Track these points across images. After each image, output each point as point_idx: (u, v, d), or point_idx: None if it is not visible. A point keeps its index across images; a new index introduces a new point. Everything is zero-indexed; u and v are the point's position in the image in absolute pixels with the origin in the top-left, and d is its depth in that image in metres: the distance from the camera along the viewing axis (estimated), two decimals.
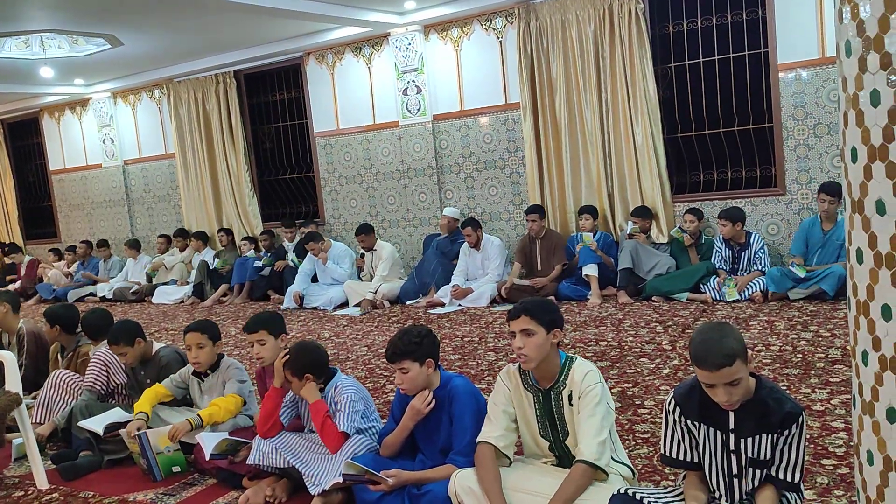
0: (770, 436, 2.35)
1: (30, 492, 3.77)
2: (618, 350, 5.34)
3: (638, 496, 2.46)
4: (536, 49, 7.98)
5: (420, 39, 8.67)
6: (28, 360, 5.10)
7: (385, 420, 3.63)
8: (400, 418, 3.20)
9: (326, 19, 8.15)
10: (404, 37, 8.73)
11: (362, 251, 8.70)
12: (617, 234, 7.75)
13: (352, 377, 3.67)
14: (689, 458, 2.50)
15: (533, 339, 2.72)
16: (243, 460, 3.49)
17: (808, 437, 2.48)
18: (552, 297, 6.85)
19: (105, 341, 4.46)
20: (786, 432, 2.34)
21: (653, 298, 6.93)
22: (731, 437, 2.40)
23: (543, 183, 8.15)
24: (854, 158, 1.88)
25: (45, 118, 12.69)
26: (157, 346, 4.39)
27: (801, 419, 2.34)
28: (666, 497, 2.52)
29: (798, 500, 2.46)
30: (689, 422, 2.46)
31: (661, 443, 2.56)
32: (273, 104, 10.43)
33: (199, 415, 3.77)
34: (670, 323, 6.01)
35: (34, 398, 4.68)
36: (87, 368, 4.42)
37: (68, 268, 11.68)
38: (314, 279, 8.71)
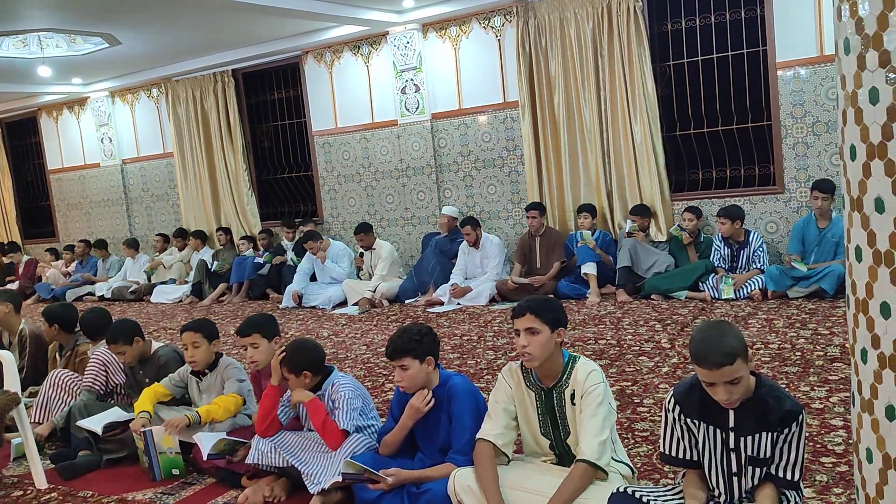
0: (770, 434, 2.35)
1: (29, 491, 3.77)
2: (617, 348, 5.34)
3: (637, 495, 2.46)
4: (535, 47, 7.98)
5: (418, 38, 8.67)
6: (29, 362, 5.09)
7: (384, 419, 3.63)
8: (399, 417, 3.20)
9: (325, 18, 8.14)
10: (403, 35, 8.72)
11: (361, 250, 8.70)
12: (616, 233, 7.75)
13: (349, 375, 3.67)
14: (688, 457, 2.50)
15: (537, 337, 2.72)
16: (242, 460, 3.48)
17: (807, 435, 2.47)
18: (551, 296, 6.85)
19: (104, 341, 4.46)
20: (785, 431, 2.34)
21: (652, 297, 6.93)
22: (731, 435, 2.40)
23: (542, 181, 8.15)
24: (853, 156, 1.88)
25: (42, 117, 12.67)
26: (155, 345, 4.39)
27: (800, 417, 2.34)
28: (665, 495, 2.52)
29: (797, 499, 2.46)
30: (688, 420, 2.46)
31: (661, 441, 2.56)
32: (271, 103, 10.42)
33: (197, 411, 3.77)
34: (669, 321, 6.01)
35: (31, 395, 4.68)
36: (86, 368, 4.41)
37: (66, 267, 11.67)
38: (313, 278, 8.71)
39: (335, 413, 3.32)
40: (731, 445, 2.40)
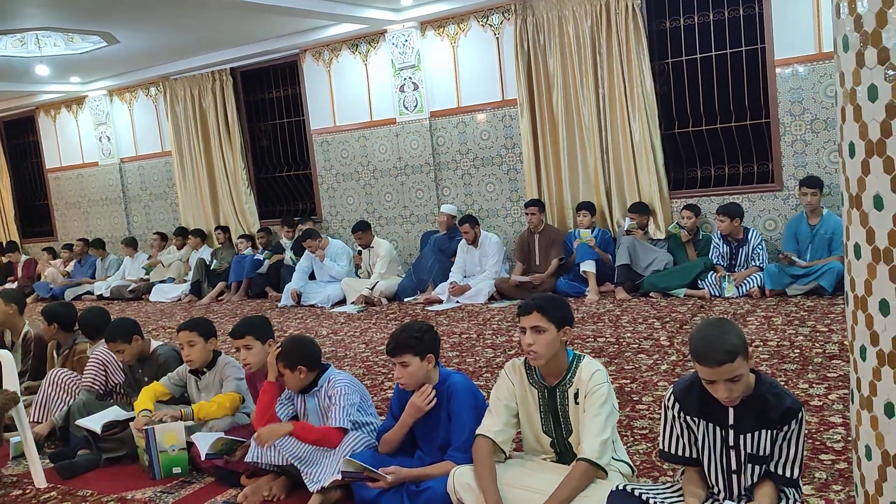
0: (769, 432, 2.35)
1: (28, 490, 3.77)
2: (616, 346, 5.34)
3: (637, 492, 2.46)
4: (533, 45, 7.98)
5: (417, 36, 8.66)
6: (32, 364, 5.08)
7: (383, 418, 3.63)
8: (398, 415, 3.20)
9: (323, 16, 8.14)
10: (401, 33, 8.72)
11: (359, 248, 8.70)
12: (614, 231, 7.75)
13: (345, 371, 3.67)
14: (687, 454, 2.50)
15: (543, 336, 2.71)
16: (240, 459, 3.48)
17: (806, 432, 2.48)
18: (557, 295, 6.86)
19: (103, 340, 4.46)
20: (785, 428, 2.34)
21: (650, 294, 6.93)
22: (731, 432, 2.40)
23: (541, 179, 8.15)
24: (852, 153, 1.88)
25: (41, 116, 12.65)
26: (154, 344, 4.38)
27: (800, 415, 2.34)
28: (665, 493, 2.52)
29: (797, 496, 2.46)
30: (688, 418, 2.46)
31: (660, 439, 2.56)
32: (270, 101, 10.41)
33: (191, 407, 3.77)
34: (668, 319, 6.01)
35: (30, 393, 4.67)
36: (86, 368, 4.41)
37: (65, 266, 11.66)
38: (312, 276, 8.70)
39: (331, 410, 3.32)
40: (731, 443, 2.41)
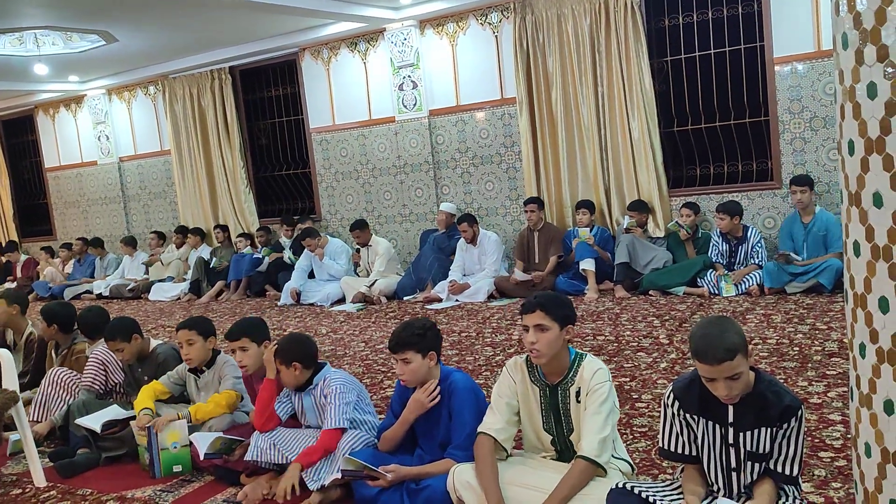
0: (769, 429, 2.36)
1: (27, 490, 3.76)
2: (615, 344, 5.34)
3: (636, 490, 2.46)
4: (532, 44, 7.97)
5: (415, 34, 8.66)
6: (34, 366, 5.08)
7: (382, 416, 3.63)
8: (399, 413, 3.20)
9: (321, 15, 8.13)
10: (400, 32, 8.71)
11: (357, 246, 8.70)
12: (614, 229, 7.76)
13: (342, 370, 3.67)
14: (687, 452, 2.50)
15: (546, 334, 2.71)
16: (240, 459, 3.48)
17: (805, 430, 2.48)
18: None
19: (102, 339, 4.45)
20: (785, 426, 2.34)
21: (650, 292, 6.94)
22: (730, 430, 2.40)
23: (540, 178, 8.15)
24: (851, 151, 1.88)
25: (39, 115, 12.64)
26: (154, 343, 4.38)
27: (799, 413, 2.34)
28: (664, 491, 2.53)
29: (796, 493, 2.46)
30: (687, 415, 2.47)
31: (660, 436, 2.56)
32: (269, 100, 10.41)
33: (188, 410, 3.77)
34: (667, 317, 6.01)
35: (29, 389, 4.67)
36: (85, 368, 4.41)
37: (64, 265, 11.65)
38: (311, 275, 8.70)
39: (327, 409, 3.32)
40: (731, 441, 2.41)
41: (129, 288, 10.35)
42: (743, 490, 2.45)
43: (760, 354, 4.69)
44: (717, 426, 2.42)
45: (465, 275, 7.92)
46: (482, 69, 8.44)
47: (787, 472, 2.37)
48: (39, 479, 3.80)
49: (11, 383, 3.83)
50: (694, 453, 2.49)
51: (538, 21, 7.93)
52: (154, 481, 3.68)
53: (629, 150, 7.60)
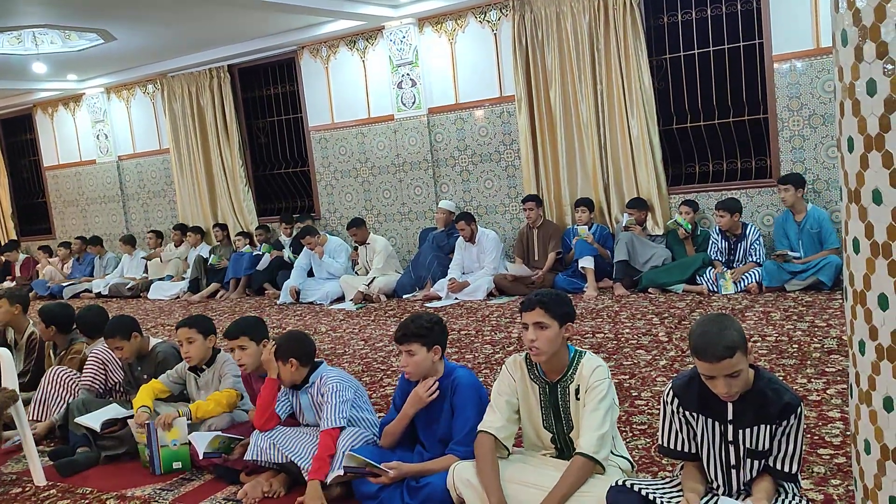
0: (768, 427, 2.36)
1: (27, 488, 3.77)
2: (614, 342, 5.34)
3: (636, 488, 2.46)
4: (531, 41, 7.97)
5: (414, 32, 8.65)
6: (35, 366, 5.08)
7: (381, 414, 3.63)
8: (401, 407, 3.21)
9: (320, 13, 8.12)
10: (398, 30, 8.70)
11: (355, 245, 8.71)
12: (613, 227, 7.76)
13: (338, 368, 3.67)
14: (687, 449, 2.50)
15: (546, 332, 2.72)
16: (239, 458, 3.48)
17: (805, 427, 2.48)
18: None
19: (101, 339, 4.46)
20: (784, 423, 2.34)
21: (649, 290, 6.94)
22: (730, 427, 2.40)
23: (539, 175, 8.15)
24: (850, 148, 1.88)
25: (38, 114, 12.63)
26: (153, 341, 4.38)
27: (799, 410, 2.34)
28: (664, 488, 2.53)
29: (795, 490, 2.47)
30: (687, 413, 2.47)
31: (660, 434, 2.57)
32: (267, 98, 10.40)
33: (188, 407, 3.77)
34: (666, 314, 6.01)
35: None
36: (85, 368, 4.41)
37: (63, 264, 11.64)
38: (310, 274, 8.70)
39: (324, 408, 3.32)
40: (730, 438, 2.41)
41: (128, 287, 10.35)
42: (742, 487, 2.45)
43: (759, 352, 4.69)
44: (717, 423, 2.42)
45: (464, 273, 7.92)
46: (481, 67, 8.44)
47: (787, 469, 2.38)
48: (39, 478, 3.80)
49: (11, 382, 3.82)
50: (693, 451, 2.49)
51: (537, 19, 7.93)
52: (154, 480, 3.68)
53: (628, 148, 7.60)
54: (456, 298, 7.59)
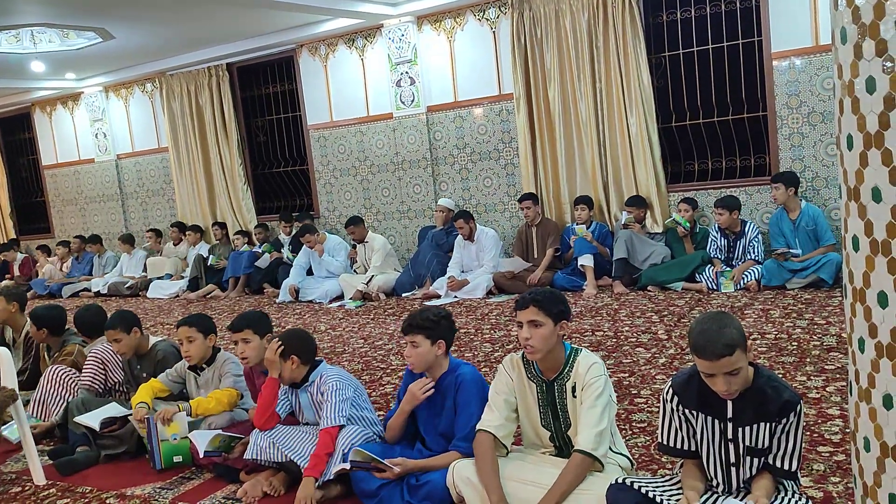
0: (768, 424, 2.36)
1: (27, 487, 3.77)
2: (614, 340, 5.34)
3: (636, 486, 2.47)
4: (530, 39, 7.96)
5: (413, 30, 8.64)
6: (33, 364, 5.08)
7: (381, 413, 3.63)
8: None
9: (319, 11, 8.11)
10: (397, 28, 8.70)
11: (353, 243, 8.71)
12: (612, 225, 7.75)
13: (338, 367, 3.67)
14: (686, 447, 2.50)
15: (540, 330, 2.72)
16: (239, 456, 3.48)
17: (804, 424, 2.48)
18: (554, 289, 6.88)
19: (100, 339, 4.46)
20: (784, 421, 2.34)
21: (648, 288, 6.94)
22: (729, 425, 2.40)
23: (538, 173, 8.15)
24: (850, 146, 1.88)
25: (36, 113, 12.62)
26: (153, 340, 4.38)
27: (798, 408, 2.34)
28: (664, 486, 2.53)
29: (795, 488, 2.47)
30: (686, 411, 2.47)
31: (659, 431, 2.57)
32: (266, 97, 10.39)
33: (189, 403, 3.77)
34: (666, 312, 6.02)
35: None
36: (84, 368, 4.41)
37: (62, 263, 11.63)
38: (309, 272, 8.70)
39: (324, 407, 3.32)
40: (730, 436, 2.41)
41: (127, 285, 10.34)
42: (742, 485, 2.45)
43: (759, 349, 4.69)
44: (717, 421, 2.42)
45: (463, 271, 7.92)
46: (480, 65, 8.43)
47: (787, 466, 2.38)
48: (39, 477, 3.80)
49: (10, 381, 3.82)
50: (693, 448, 2.50)
51: (536, 17, 7.92)
52: (153, 478, 3.68)
53: (627, 146, 7.60)
54: (455, 297, 7.59)
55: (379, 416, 3.61)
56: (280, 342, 3.41)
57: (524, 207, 7.75)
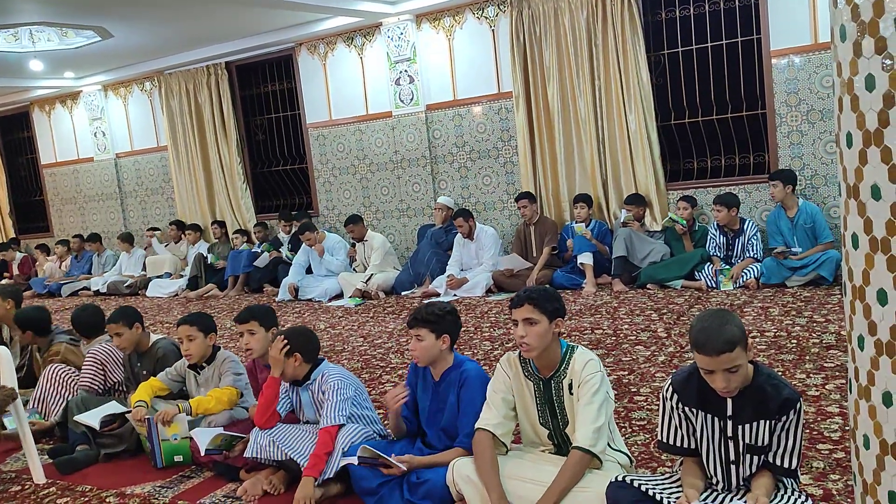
0: (768, 422, 2.36)
1: (27, 486, 3.77)
2: (613, 338, 5.35)
3: (636, 483, 2.47)
4: (529, 37, 7.96)
5: (412, 29, 8.64)
6: (30, 362, 5.07)
7: (381, 412, 3.63)
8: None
9: (318, 9, 8.11)
10: (396, 26, 8.69)
11: (352, 241, 8.70)
12: (611, 223, 7.76)
13: (339, 366, 3.68)
14: (686, 445, 2.50)
15: (535, 328, 2.73)
16: (239, 455, 3.48)
17: (804, 422, 2.48)
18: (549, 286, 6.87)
19: (97, 339, 4.46)
20: (783, 419, 2.34)
21: (647, 286, 6.94)
22: (729, 423, 2.41)
23: (537, 172, 8.15)
24: (849, 143, 1.88)
25: (35, 112, 12.61)
26: (154, 337, 4.38)
27: (798, 405, 2.34)
28: (663, 484, 2.53)
29: (795, 486, 2.47)
30: (686, 408, 2.47)
31: (659, 429, 2.57)
32: (265, 95, 10.38)
33: (189, 402, 3.77)
34: (665, 310, 6.02)
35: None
36: (83, 367, 4.40)
37: (61, 261, 11.62)
38: (308, 271, 8.70)
39: (325, 406, 3.32)
40: (729, 433, 2.41)
41: (126, 284, 10.34)
42: (742, 483, 2.46)
43: (759, 347, 4.69)
44: (716, 419, 2.43)
45: (462, 270, 7.92)
46: (479, 63, 8.43)
47: (786, 464, 2.38)
48: (39, 476, 3.80)
49: (10, 380, 3.82)
50: (693, 446, 2.50)
51: (535, 15, 7.92)
52: (153, 477, 3.69)
53: (626, 144, 7.60)
54: (454, 295, 7.59)
55: (378, 414, 3.61)
56: (286, 340, 3.41)
57: (521, 206, 7.76)
